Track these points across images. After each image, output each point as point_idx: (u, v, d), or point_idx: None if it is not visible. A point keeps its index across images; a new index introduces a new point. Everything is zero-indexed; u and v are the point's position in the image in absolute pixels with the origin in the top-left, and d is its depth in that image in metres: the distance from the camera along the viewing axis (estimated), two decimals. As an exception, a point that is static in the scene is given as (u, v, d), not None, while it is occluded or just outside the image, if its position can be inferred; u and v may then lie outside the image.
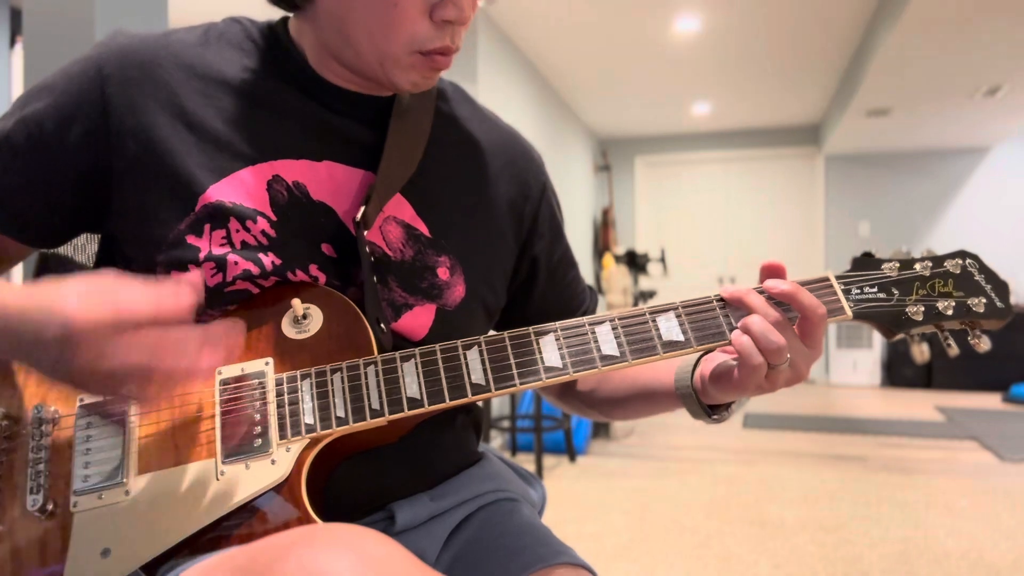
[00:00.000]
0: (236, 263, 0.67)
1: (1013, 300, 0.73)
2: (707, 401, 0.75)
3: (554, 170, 5.63)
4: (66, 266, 0.86)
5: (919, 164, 7.09)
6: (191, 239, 0.67)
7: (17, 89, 4.29)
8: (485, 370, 0.67)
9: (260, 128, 0.71)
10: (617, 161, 7.88)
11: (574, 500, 3.29)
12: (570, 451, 4.06)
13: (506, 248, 0.84)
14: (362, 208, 0.70)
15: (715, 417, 0.76)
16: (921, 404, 5.83)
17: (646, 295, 5.90)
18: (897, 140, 6.66)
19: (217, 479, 0.62)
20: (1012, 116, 5.82)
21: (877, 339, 6.90)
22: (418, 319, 0.74)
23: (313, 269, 0.70)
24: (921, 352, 0.73)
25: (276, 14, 0.78)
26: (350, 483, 0.71)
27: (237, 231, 0.68)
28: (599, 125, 7.36)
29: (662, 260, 6.07)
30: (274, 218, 0.69)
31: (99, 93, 0.68)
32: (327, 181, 0.72)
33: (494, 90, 4.48)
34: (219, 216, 0.68)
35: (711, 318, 0.69)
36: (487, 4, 3.97)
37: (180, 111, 0.69)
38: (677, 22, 4.64)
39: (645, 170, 7.96)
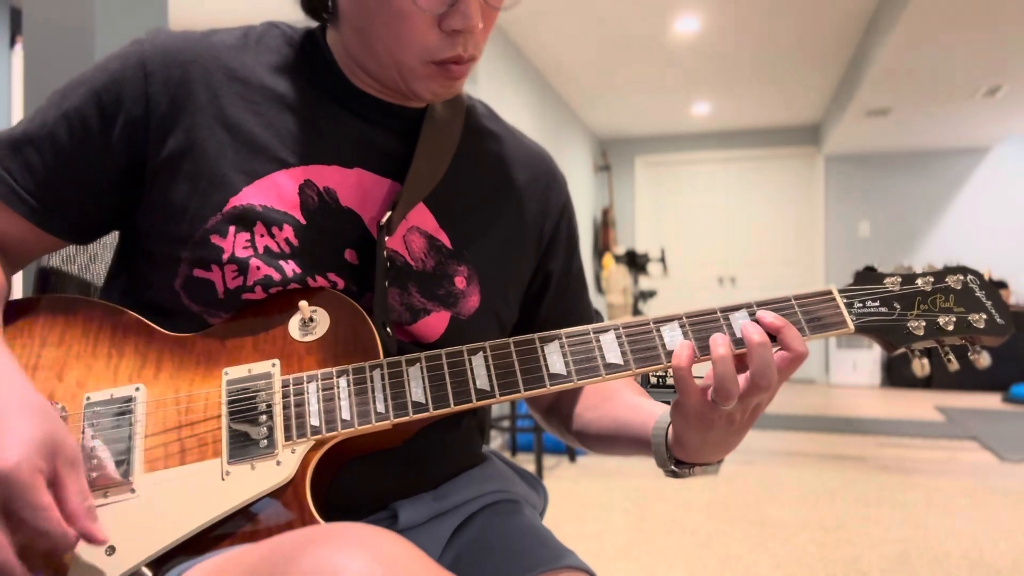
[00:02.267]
0: (258, 268, 0.68)
1: (1013, 300, 0.73)
2: (677, 453, 0.73)
3: (554, 170, 5.62)
4: (66, 281, 0.86)
5: (919, 164, 7.10)
6: (215, 239, 0.68)
7: (17, 89, 4.28)
8: (490, 376, 0.67)
9: (295, 133, 0.72)
10: (617, 161, 7.89)
11: (574, 500, 3.29)
12: (570, 451, 4.07)
13: (524, 264, 0.85)
14: (388, 213, 0.70)
15: (672, 469, 0.74)
16: (921, 404, 5.84)
17: (646, 295, 5.91)
18: (897, 140, 6.66)
19: (222, 479, 0.62)
20: (1012, 116, 5.83)
21: (877, 339, 6.91)
22: (432, 324, 0.74)
23: (332, 275, 0.71)
24: (922, 367, 0.74)
25: (271, 16, 0.79)
26: (353, 483, 0.71)
27: (262, 236, 0.68)
28: (599, 125, 7.36)
29: (662, 260, 6.08)
30: (303, 222, 0.70)
31: (142, 90, 0.69)
32: (356, 188, 0.73)
33: (494, 90, 4.48)
34: (246, 219, 0.68)
35: (715, 329, 0.69)
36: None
37: (219, 112, 0.70)
38: (677, 22, 4.64)
39: (645, 170, 7.96)
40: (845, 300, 0.72)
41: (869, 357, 6.96)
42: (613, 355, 0.68)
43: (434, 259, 0.75)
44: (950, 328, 0.71)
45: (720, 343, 0.64)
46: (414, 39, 0.67)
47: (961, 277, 0.73)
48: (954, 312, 0.72)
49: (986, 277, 0.74)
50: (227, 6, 4.26)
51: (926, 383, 6.63)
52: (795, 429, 4.87)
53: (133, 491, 0.62)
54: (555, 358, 0.68)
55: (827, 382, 7.25)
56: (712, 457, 0.72)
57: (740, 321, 0.69)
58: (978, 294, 0.73)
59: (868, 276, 0.74)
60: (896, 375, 6.81)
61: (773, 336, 0.66)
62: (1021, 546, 2.67)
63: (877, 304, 0.72)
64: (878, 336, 0.72)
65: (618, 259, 6.13)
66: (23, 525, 0.53)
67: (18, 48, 4.32)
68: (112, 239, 0.89)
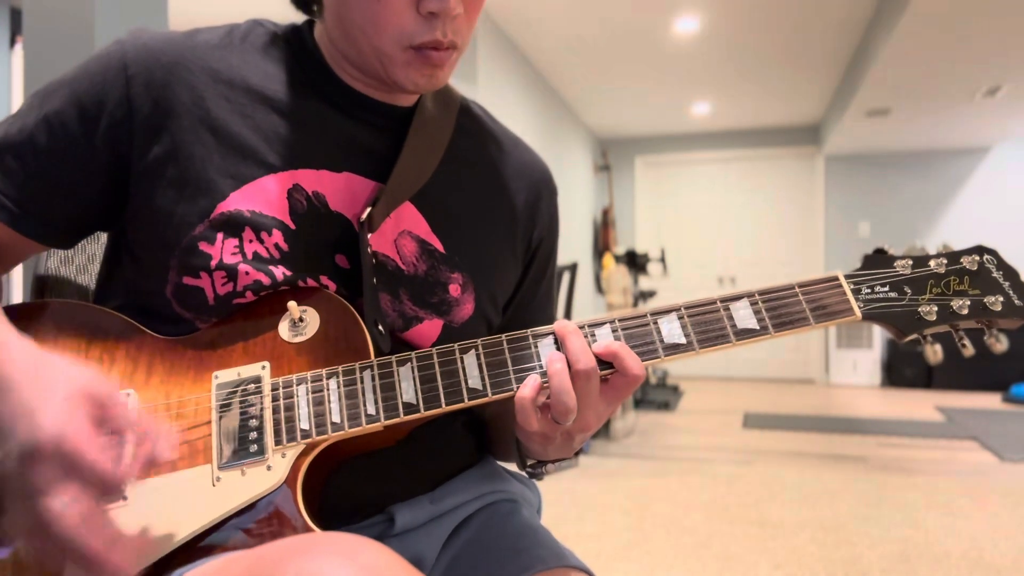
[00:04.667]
0: (247, 273, 0.67)
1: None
2: (530, 452, 0.75)
3: (554, 170, 5.61)
4: (63, 284, 0.86)
5: (919, 164, 7.09)
6: (203, 246, 0.67)
7: (17, 89, 4.28)
8: (482, 375, 0.66)
9: (283, 136, 0.71)
10: (617, 161, 7.88)
11: (574, 500, 3.29)
12: (570, 451, 4.05)
13: (512, 271, 0.84)
14: (368, 209, 0.69)
15: (528, 470, 0.77)
16: (921, 404, 5.83)
17: (646, 295, 5.90)
18: (897, 140, 6.66)
19: (213, 485, 0.62)
20: (1012, 116, 5.82)
21: (877, 339, 6.90)
22: (425, 332, 0.74)
23: (324, 279, 0.70)
24: (934, 353, 0.71)
25: (270, 14, 0.78)
26: (349, 486, 0.71)
27: (250, 242, 0.67)
28: (599, 125, 7.36)
29: (662, 260, 6.07)
30: (293, 227, 0.69)
31: (123, 93, 0.68)
32: (345, 191, 0.72)
33: (494, 90, 4.47)
34: (234, 225, 0.67)
35: (714, 320, 0.68)
36: None
37: (204, 115, 0.69)
38: (677, 22, 4.64)
39: (645, 170, 7.95)
40: (852, 286, 0.69)
41: (869, 357, 6.95)
42: None
43: (426, 264, 0.74)
44: (964, 312, 0.68)
45: (556, 360, 0.64)
46: (390, 22, 0.66)
47: (977, 257, 0.70)
48: (969, 295, 0.69)
49: None
50: (227, 8, 4.25)
51: (926, 383, 6.62)
52: (795, 429, 4.87)
53: (125, 499, 0.61)
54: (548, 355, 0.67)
55: (827, 382, 7.24)
56: (554, 457, 0.74)
57: (741, 311, 0.68)
58: (995, 275, 0.70)
59: (878, 259, 0.71)
60: (896, 375, 6.80)
61: (610, 362, 0.65)
62: (1021, 546, 2.66)
63: (887, 289, 0.69)
64: (887, 323, 0.69)
65: (618, 259, 6.12)
66: (85, 482, 0.52)
67: (18, 48, 4.32)
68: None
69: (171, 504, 0.61)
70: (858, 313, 0.68)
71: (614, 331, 0.68)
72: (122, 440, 0.54)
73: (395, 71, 0.69)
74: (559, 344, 0.67)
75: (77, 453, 0.51)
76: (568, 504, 3.23)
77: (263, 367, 0.66)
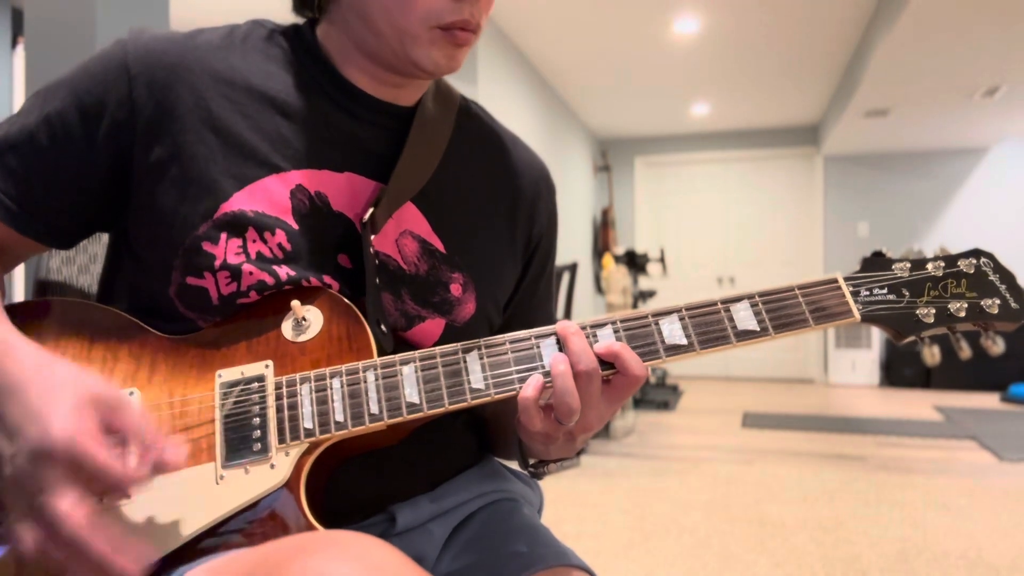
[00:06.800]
0: (251, 273, 0.67)
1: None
2: (532, 452, 0.75)
3: (554, 170, 5.63)
4: (64, 285, 0.86)
5: (918, 164, 7.10)
6: (207, 246, 0.67)
7: (19, 89, 4.28)
8: (485, 375, 0.66)
9: (285, 136, 0.71)
10: (617, 161, 7.89)
11: (574, 500, 3.29)
12: (570, 451, 4.05)
13: (512, 269, 0.84)
14: (370, 210, 0.70)
15: (530, 470, 0.77)
16: (920, 404, 5.83)
17: (646, 295, 5.90)
18: (896, 140, 6.66)
19: (217, 483, 0.62)
20: (1011, 116, 5.82)
21: (876, 339, 6.90)
22: (427, 330, 0.74)
23: (327, 279, 0.70)
24: (932, 355, 0.71)
25: (271, 14, 0.78)
26: (350, 486, 0.71)
27: (254, 241, 0.67)
28: (599, 125, 7.36)
29: (661, 260, 6.07)
30: (296, 227, 0.69)
31: (126, 93, 0.68)
32: (346, 191, 0.72)
33: (494, 91, 4.48)
34: (237, 225, 0.67)
35: (715, 321, 0.68)
36: None
37: (207, 116, 0.69)
38: (677, 22, 4.64)
39: (645, 170, 7.96)
40: (851, 288, 0.70)
41: (868, 357, 6.96)
42: None
43: (427, 263, 0.75)
44: (962, 315, 0.69)
45: (559, 361, 0.65)
46: (419, 1, 0.67)
47: (974, 260, 0.71)
48: (966, 298, 0.69)
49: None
50: (229, 5, 4.25)
51: (925, 383, 6.63)
52: (794, 429, 4.87)
53: (128, 496, 0.62)
54: (551, 356, 0.67)
55: (826, 382, 7.24)
56: (556, 457, 0.74)
57: (741, 313, 0.68)
58: (991, 277, 0.70)
59: (876, 262, 0.72)
60: (895, 375, 6.80)
61: (611, 362, 0.66)
62: (1020, 545, 2.67)
63: (885, 291, 0.70)
64: (886, 325, 0.70)
65: (618, 259, 6.12)
66: (93, 484, 0.54)
67: (19, 49, 4.32)
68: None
69: (174, 502, 0.61)
70: (857, 315, 0.69)
71: (615, 332, 0.68)
72: (129, 446, 0.55)
73: (417, 51, 0.69)
74: (561, 345, 0.67)
75: (87, 456, 0.53)
76: (568, 504, 3.24)
77: (266, 366, 0.66)
